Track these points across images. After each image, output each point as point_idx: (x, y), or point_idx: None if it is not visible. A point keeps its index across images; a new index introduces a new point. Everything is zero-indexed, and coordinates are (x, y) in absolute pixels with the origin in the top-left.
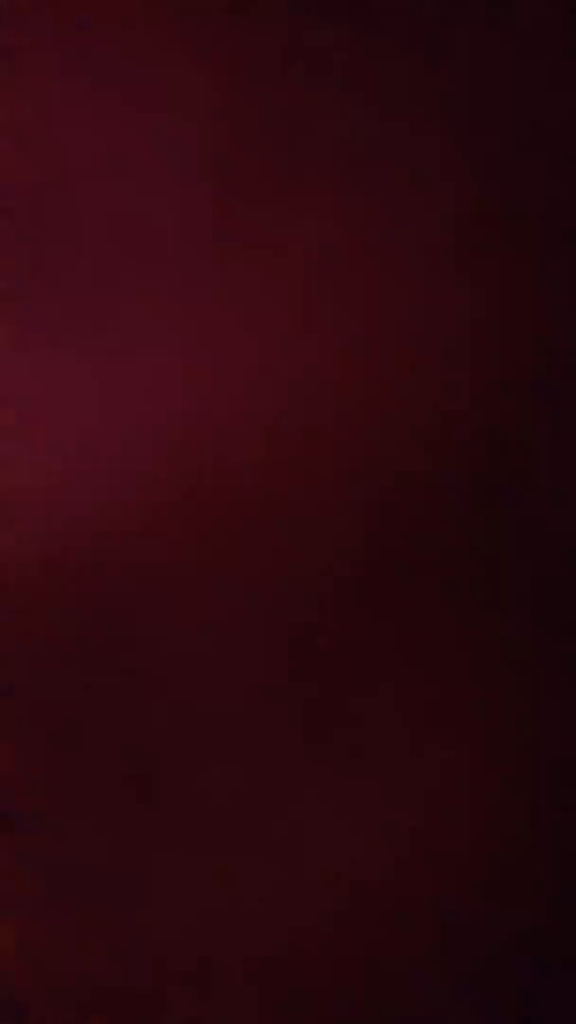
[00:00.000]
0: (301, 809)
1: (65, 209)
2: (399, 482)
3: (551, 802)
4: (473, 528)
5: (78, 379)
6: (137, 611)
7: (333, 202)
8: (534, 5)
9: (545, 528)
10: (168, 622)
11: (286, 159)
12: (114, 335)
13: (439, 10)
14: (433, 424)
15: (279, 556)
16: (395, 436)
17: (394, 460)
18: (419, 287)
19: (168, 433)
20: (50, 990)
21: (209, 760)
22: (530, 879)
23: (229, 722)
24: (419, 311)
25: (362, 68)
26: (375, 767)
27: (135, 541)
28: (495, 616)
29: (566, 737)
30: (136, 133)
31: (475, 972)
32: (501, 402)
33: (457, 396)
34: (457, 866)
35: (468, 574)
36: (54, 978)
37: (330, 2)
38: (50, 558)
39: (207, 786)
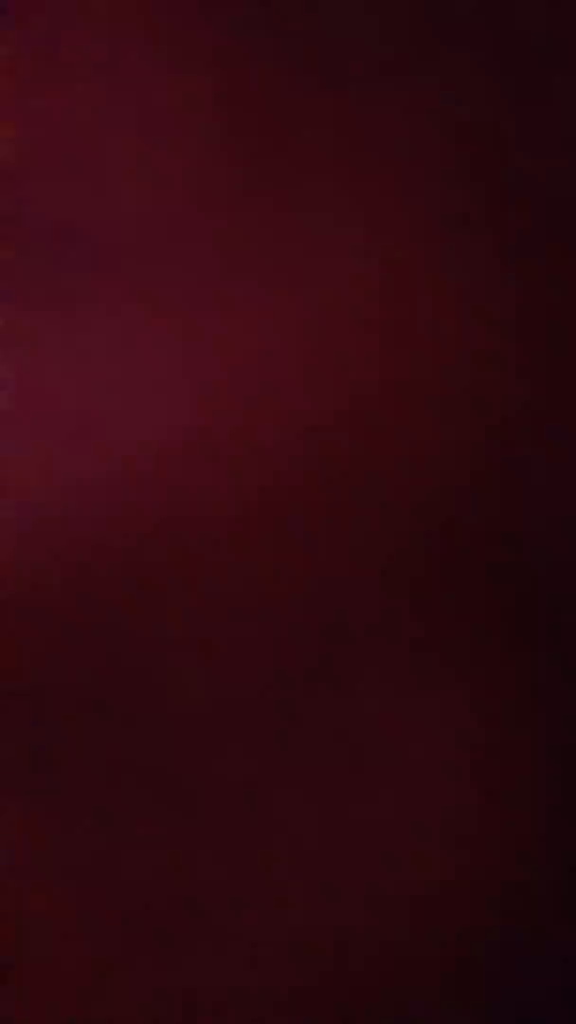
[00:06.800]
0: (301, 810)
1: (65, 215)
2: (399, 492)
3: (555, 811)
4: (471, 544)
5: (77, 382)
6: (137, 614)
7: (334, 217)
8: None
9: (542, 546)
10: (167, 627)
11: (286, 173)
12: (114, 339)
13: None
14: (434, 439)
15: (279, 561)
16: (395, 451)
17: (394, 475)
18: (416, 308)
19: (168, 441)
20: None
21: (208, 762)
22: (534, 892)
23: (228, 724)
24: (418, 331)
25: (362, 78)
26: (373, 772)
27: (135, 546)
28: (491, 630)
29: (568, 746)
30: (139, 137)
31: (475, 986)
32: (501, 425)
33: (457, 410)
34: (462, 878)
35: (467, 589)
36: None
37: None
38: (48, 565)
39: (205, 792)
